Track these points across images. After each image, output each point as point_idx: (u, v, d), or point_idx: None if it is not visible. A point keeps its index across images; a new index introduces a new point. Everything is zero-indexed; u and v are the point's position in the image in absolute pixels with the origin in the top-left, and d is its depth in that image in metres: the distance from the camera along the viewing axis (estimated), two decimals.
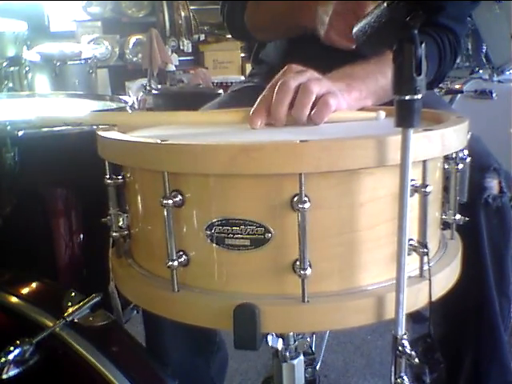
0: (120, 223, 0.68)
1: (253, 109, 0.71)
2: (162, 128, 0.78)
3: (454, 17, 0.97)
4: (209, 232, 0.56)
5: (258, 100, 0.71)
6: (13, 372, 0.65)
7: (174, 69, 3.97)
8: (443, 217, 0.67)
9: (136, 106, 1.22)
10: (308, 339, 0.79)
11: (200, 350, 1.09)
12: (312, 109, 0.69)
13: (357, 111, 0.78)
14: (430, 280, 0.58)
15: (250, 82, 1.24)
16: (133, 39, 4.57)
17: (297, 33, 0.99)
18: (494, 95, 2.28)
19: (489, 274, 0.91)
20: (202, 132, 0.74)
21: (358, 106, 0.79)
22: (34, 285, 0.84)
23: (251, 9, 1.06)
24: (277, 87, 0.69)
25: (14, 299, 0.77)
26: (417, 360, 0.55)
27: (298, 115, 0.69)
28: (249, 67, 1.39)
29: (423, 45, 0.50)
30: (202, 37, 4.70)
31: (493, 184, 0.89)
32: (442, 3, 0.94)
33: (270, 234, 0.54)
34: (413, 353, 0.55)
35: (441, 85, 2.33)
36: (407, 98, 0.50)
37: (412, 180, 0.55)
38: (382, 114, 0.75)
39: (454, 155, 0.64)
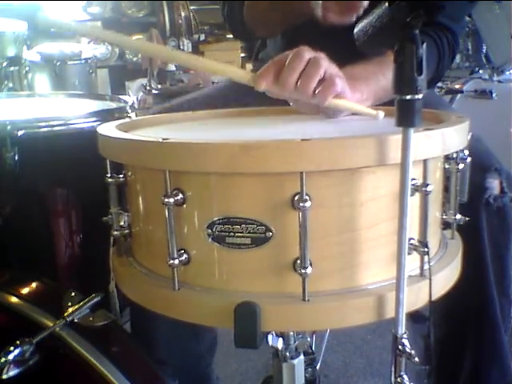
0: (121, 222, 0.68)
1: (260, 70, 0.69)
2: (163, 126, 0.78)
3: (453, 16, 0.98)
4: (210, 230, 0.56)
5: (268, 63, 0.69)
6: (13, 372, 0.65)
7: (174, 68, 3.96)
8: (444, 216, 0.67)
9: (136, 106, 1.22)
10: (308, 339, 0.79)
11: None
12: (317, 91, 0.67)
13: (360, 105, 0.78)
14: (430, 279, 0.58)
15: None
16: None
17: (296, 21, 0.99)
18: (494, 95, 2.28)
19: (489, 274, 0.91)
20: (203, 129, 0.74)
21: None
22: (34, 285, 0.84)
23: (249, 4, 1.07)
24: (290, 55, 0.67)
25: (14, 299, 0.77)
26: (417, 359, 0.55)
27: (304, 87, 0.67)
28: (249, 67, 1.40)
29: (424, 45, 0.50)
30: (202, 37, 4.69)
31: (494, 184, 0.89)
32: (442, 3, 0.94)
33: (270, 233, 0.54)
34: (413, 352, 0.55)
35: (441, 85, 2.33)
36: (408, 97, 0.50)
37: (413, 179, 0.55)
38: (381, 113, 0.75)
39: (454, 155, 0.64)
